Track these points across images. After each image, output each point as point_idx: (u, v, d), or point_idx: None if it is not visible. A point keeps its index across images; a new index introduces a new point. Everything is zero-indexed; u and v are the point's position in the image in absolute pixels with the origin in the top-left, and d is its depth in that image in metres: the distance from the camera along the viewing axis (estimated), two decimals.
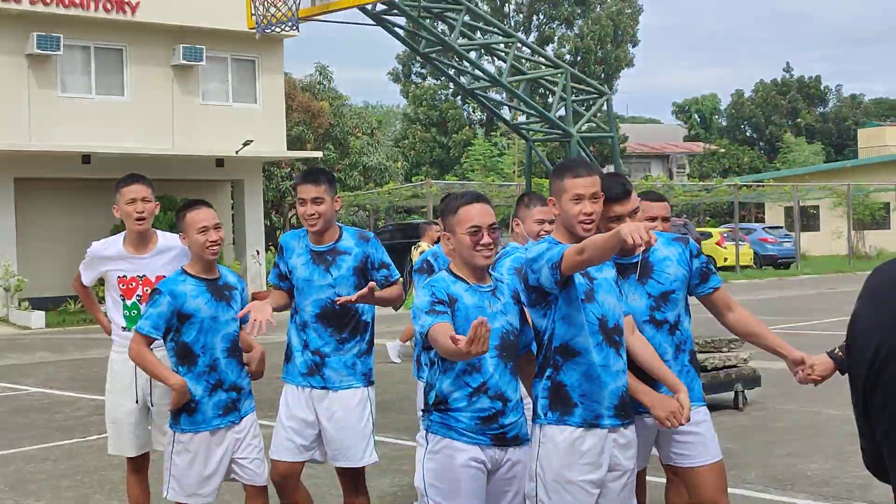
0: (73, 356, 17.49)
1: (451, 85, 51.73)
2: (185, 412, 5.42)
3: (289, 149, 32.08)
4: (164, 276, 5.95)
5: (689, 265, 4.94)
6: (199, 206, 5.61)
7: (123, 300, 6.13)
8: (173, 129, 28.50)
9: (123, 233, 6.26)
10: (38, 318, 24.48)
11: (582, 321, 4.39)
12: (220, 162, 28.88)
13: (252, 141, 28.75)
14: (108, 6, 26.80)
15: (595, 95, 10.81)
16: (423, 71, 57.33)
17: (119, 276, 6.13)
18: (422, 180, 37.71)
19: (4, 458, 9.83)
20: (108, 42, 27.59)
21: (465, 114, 55.88)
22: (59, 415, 12.17)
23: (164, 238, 6.25)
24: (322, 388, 5.69)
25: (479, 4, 54.20)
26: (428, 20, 9.62)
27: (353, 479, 5.88)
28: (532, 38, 56.63)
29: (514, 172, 40.81)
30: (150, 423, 6.10)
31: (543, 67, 10.88)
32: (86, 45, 27.30)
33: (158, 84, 28.31)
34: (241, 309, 5.56)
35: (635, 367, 4.66)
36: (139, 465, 6.19)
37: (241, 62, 29.90)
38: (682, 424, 4.56)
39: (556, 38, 56.72)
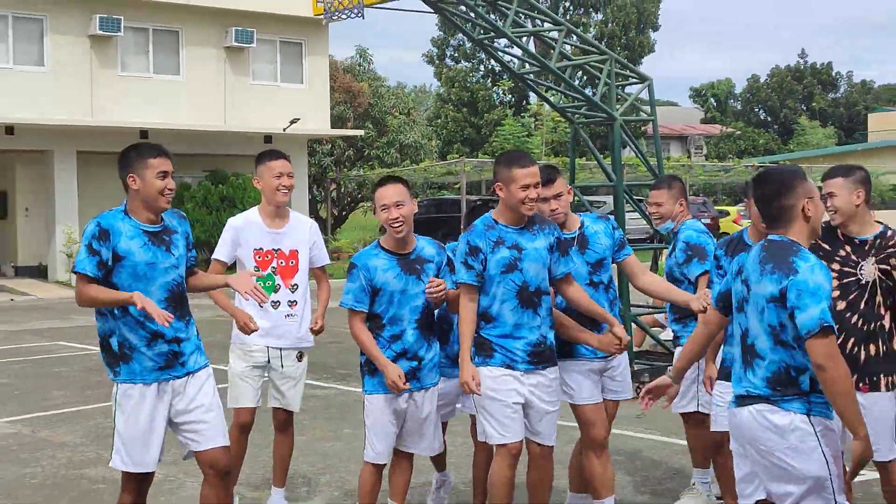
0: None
1: (497, 67, 51.64)
2: (367, 374, 5.45)
3: (332, 127, 32.12)
4: (297, 250, 6.14)
5: (613, 237, 5.72)
6: (386, 184, 5.45)
7: (258, 271, 6.10)
8: (225, 107, 28.63)
9: (256, 208, 6.31)
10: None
11: (495, 293, 5.21)
12: (268, 138, 28.96)
13: (298, 119, 28.83)
14: None
15: (637, 81, 10.81)
16: (457, 54, 57.14)
17: (255, 249, 6.12)
18: (456, 158, 37.63)
19: (84, 412, 10.00)
20: (165, 24, 27.70)
21: (495, 95, 55.69)
22: None
23: (295, 214, 6.35)
24: None
25: None
26: (482, 8, 9.64)
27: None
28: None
29: (541, 151, 40.70)
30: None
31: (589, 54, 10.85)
32: (144, 28, 27.41)
33: (212, 65, 28.42)
34: (435, 278, 5.45)
35: (581, 317, 5.52)
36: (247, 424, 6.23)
37: (289, 45, 29.95)
38: (622, 351, 5.51)
39: (581, 24, 56.38)
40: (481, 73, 56.27)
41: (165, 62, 27.93)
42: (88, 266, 4.75)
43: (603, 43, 54.95)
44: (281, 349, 6.15)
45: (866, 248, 5.16)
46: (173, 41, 28.00)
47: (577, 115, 10.66)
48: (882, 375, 5.17)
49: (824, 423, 4.00)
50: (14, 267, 27.42)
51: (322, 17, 8.93)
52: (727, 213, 39.83)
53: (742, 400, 4.12)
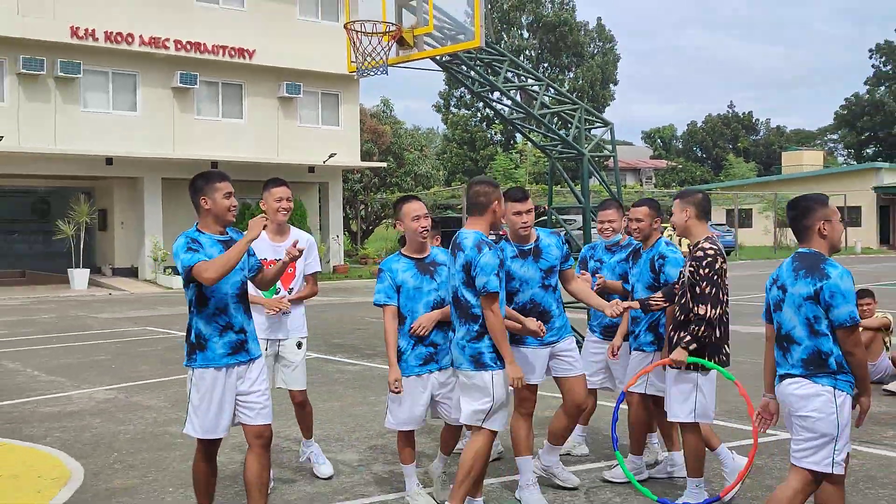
0: None
1: (491, 114, 51.55)
2: (402, 361, 5.26)
3: (361, 160, 32.13)
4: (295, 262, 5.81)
5: (562, 249, 5.58)
6: (412, 200, 5.32)
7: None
8: (278, 144, 28.62)
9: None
10: (177, 281, 24.71)
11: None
12: (311, 169, 28.97)
13: (335, 154, 28.83)
14: (232, 53, 26.88)
15: (601, 125, 10.78)
16: (459, 104, 57.14)
17: (262, 259, 5.79)
18: (458, 185, 37.61)
19: (165, 382, 9.99)
20: (231, 79, 27.71)
21: (489, 136, 55.67)
22: None
23: (294, 230, 6.08)
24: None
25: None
26: (479, 67, 9.61)
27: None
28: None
29: (525, 180, 40.63)
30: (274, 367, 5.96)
31: (563, 104, 10.81)
32: (215, 82, 27.43)
33: (268, 111, 28.42)
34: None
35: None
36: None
37: (328, 95, 29.95)
38: (619, 315, 5.40)
39: (558, 80, 56.33)
40: (478, 118, 56.33)
41: (232, 108, 27.95)
42: (195, 257, 4.57)
43: (574, 95, 54.99)
44: (280, 340, 5.93)
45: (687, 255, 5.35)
46: (238, 92, 28.01)
47: (553, 152, 10.63)
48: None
49: (843, 396, 4.14)
50: (112, 268, 27.45)
51: (354, 73, 8.90)
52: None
53: (783, 378, 4.29)
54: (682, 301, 5.21)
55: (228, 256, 4.55)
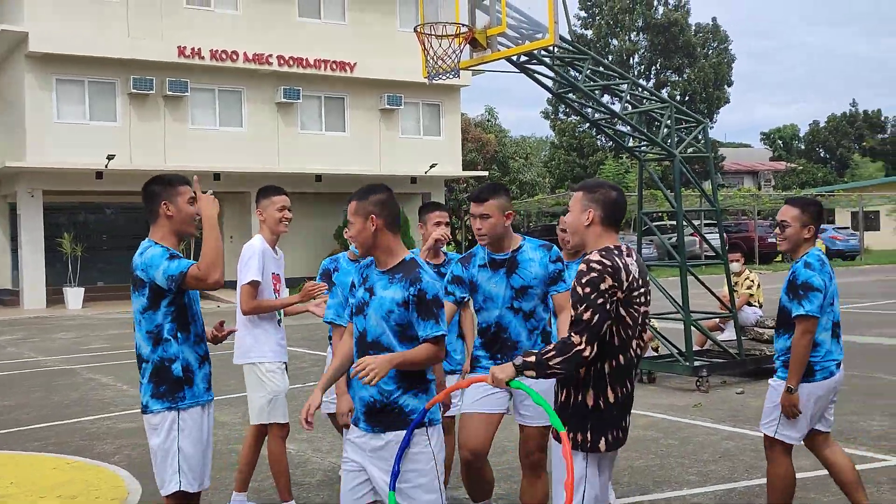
0: (307, 321, 17.66)
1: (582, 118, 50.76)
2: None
3: (464, 170, 31.91)
4: (280, 274, 5.54)
5: (548, 268, 4.43)
6: (435, 209, 5.28)
7: (275, 295, 5.49)
8: (380, 155, 28.68)
9: (259, 236, 5.46)
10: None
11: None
12: (413, 180, 28.90)
13: (436, 164, 28.67)
14: (334, 67, 27.10)
15: (694, 124, 10.11)
16: (567, 110, 56.36)
17: (273, 273, 5.47)
18: (562, 192, 36.96)
19: (243, 398, 9.85)
20: (333, 92, 27.94)
21: (599, 142, 54.65)
22: (290, 364, 12.21)
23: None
24: None
25: (611, 58, 52.98)
26: (559, 66, 9.13)
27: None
28: (651, 83, 55.01)
29: (636, 185, 39.68)
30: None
31: (653, 103, 10.21)
32: (318, 95, 27.71)
33: (369, 123, 28.53)
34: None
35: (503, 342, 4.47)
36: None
37: (429, 106, 29.86)
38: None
39: (669, 83, 54.83)
40: (587, 124, 55.33)
41: (334, 122, 28.17)
42: (182, 262, 3.94)
43: (686, 97, 53.39)
44: (286, 363, 5.58)
45: None
46: (340, 105, 28.22)
47: (643, 154, 10.03)
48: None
49: None
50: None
51: (427, 79, 8.57)
52: None
53: (839, 364, 4.72)
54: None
55: (215, 246, 3.88)
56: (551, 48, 8.66)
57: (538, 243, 4.51)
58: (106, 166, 23.63)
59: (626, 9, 53.29)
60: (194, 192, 4.04)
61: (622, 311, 3.42)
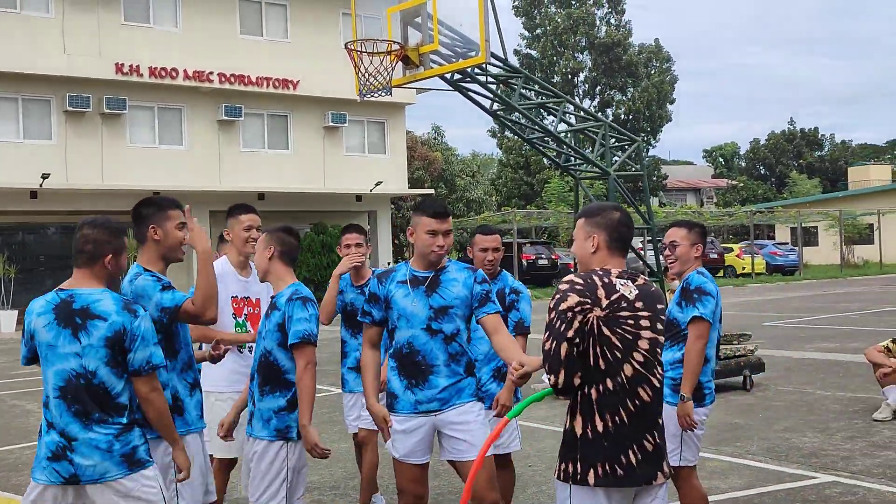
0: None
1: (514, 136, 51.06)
2: None
3: (410, 187, 31.82)
4: (260, 299, 5.15)
5: (472, 290, 4.22)
6: (348, 231, 5.50)
7: (235, 318, 5.15)
8: (324, 174, 28.44)
9: (224, 257, 5.24)
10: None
11: None
12: (359, 197, 28.71)
13: (382, 182, 28.53)
14: (276, 84, 26.85)
15: (628, 142, 10.13)
16: (515, 127, 56.69)
17: (232, 297, 5.13)
18: (508, 210, 37.05)
19: None
20: (276, 110, 27.68)
21: (545, 160, 55.03)
22: None
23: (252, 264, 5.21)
24: None
25: (557, 77, 53.45)
26: (493, 85, 9.07)
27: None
28: (595, 101, 55.61)
29: (582, 203, 39.86)
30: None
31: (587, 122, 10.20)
32: (260, 113, 27.41)
33: (314, 140, 28.31)
34: None
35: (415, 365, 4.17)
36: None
37: (374, 123, 29.74)
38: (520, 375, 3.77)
39: (614, 101, 55.52)
40: (549, 142, 55.67)
41: (277, 139, 27.89)
42: (176, 294, 3.91)
43: (630, 116, 54.08)
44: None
45: None
46: (283, 123, 27.96)
47: (578, 172, 10.02)
48: None
49: None
50: None
51: (358, 96, 8.45)
52: (731, 250, 38.62)
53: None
54: None
55: (210, 282, 3.88)
56: (484, 66, 8.62)
57: (462, 266, 4.34)
58: (41, 185, 23.04)
59: (570, 29, 53.86)
60: (184, 220, 3.98)
61: (605, 331, 3.11)
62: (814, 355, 13.16)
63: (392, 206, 32.44)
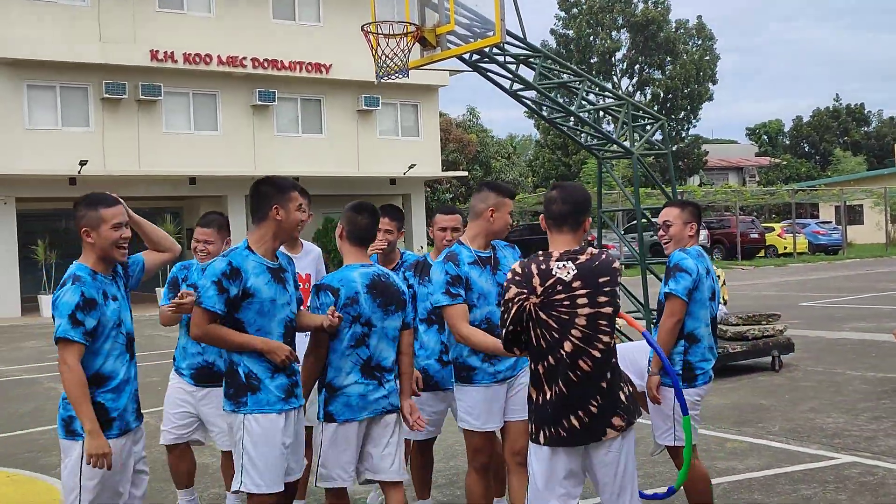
0: None
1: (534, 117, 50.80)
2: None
3: (444, 170, 31.79)
4: (311, 274, 5.28)
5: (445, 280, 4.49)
6: (384, 214, 5.06)
7: None
8: (358, 157, 28.53)
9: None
10: None
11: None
12: (392, 181, 28.76)
13: (415, 165, 28.55)
14: (310, 68, 26.93)
15: (653, 121, 10.02)
16: (552, 108, 56.25)
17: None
18: (544, 192, 36.92)
19: None
20: (310, 94, 27.78)
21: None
22: None
23: (307, 243, 5.47)
24: None
25: (592, 57, 52.92)
26: (512, 65, 9.03)
27: None
28: (634, 80, 54.97)
29: (616, 183, 39.57)
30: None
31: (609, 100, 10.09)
32: (294, 98, 27.53)
33: (347, 124, 28.38)
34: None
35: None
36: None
37: (407, 106, 29.72)
38: None
39: (652, 80, 54.84)
40: (571, 121, 55.26)
41: (311, 123, 28.01)
42: (217, 303, 3.86)
43: (668, 94, 53.38)
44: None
45: None
46: (317, 107, 28.06)
47: (601, 152, 9.94)
48: None
49: None
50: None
51: (376, 78, 8.46)
52: (772, 229, 38.02)
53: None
54: None
55: (245, 342, 3.97)
56: (501, 45, 8.56)
57: (503, 244, 4.69)
58: (79, 172, 23.42)
59: (605, 7, 53.24)
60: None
61: (542, 315, 3.48)
62: (849, 335, 12.96)
63: (427, 188, 32.45)
